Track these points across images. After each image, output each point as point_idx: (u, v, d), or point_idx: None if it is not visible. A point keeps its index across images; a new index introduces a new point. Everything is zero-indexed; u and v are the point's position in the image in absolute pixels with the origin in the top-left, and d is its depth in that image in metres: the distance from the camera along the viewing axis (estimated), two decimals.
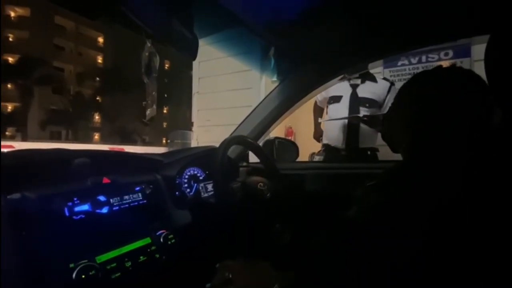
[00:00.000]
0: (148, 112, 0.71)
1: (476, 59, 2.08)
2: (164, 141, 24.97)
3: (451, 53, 2.16)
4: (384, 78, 1.90)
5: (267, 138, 1.31)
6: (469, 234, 0.42)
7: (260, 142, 1.25)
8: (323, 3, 0.81)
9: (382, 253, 0.47)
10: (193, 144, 3.77)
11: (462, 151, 0.53)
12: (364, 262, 0.50)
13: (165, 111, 29.89)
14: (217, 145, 0.90)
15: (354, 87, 1.75)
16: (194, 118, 3.77)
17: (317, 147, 2.05)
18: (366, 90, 1.74)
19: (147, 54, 0.68)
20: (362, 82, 1.77)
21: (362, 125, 1.73)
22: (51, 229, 0.57)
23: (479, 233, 0.42)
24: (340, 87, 1.76)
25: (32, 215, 0.55)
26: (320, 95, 1.88)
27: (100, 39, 27.02)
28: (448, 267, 0.41)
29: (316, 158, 1.94)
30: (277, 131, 1.55)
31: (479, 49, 2.01)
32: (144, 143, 27.02)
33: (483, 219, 0.42)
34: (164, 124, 29.99)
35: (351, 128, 1.72)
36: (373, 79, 1.80)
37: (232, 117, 2.95)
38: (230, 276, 0.55)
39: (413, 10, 0.83)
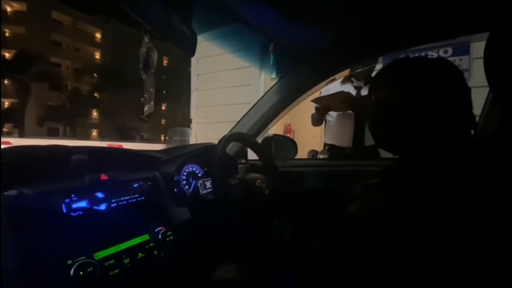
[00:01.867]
0: (146, 108, 0.70)
1: (475, 57, 2.08)
2: (162, 138, 24.89)
3: (450, 50, 2.16)
4: None
5: (265, 135, 1.31)
6: (467, 233, 0.42)
7: (259, 139, 1.25)
8: (322, 0, 0.81)
9: (381, 250, 0.48)
10: (192, 141, 3.76)
11: (461, 149, 0.53)
12: (363, 259, 0.50)
13: (163, 108, 29.79)
14: (216, 142, 0.90)
15: (358, 89, 1.77)
16: (193, 115, 3.76)
17: (315, 144, 2.05)
18: None
19: (145, 49, 0.67)
20: (365, 84, 1.79)
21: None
22: (49, 226, 0.57)
23: (478, 231, 0.42)
24: (342, 89, 1.77)
25: (29, 212, 0.55)
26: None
27: (98, 35, 26.80)
28: (446, 265, 0.42)
29: (321, 157, 1.95)
30: (275, 129, 1.55)
31: (478, 47, 2.01)
32: (143, 140, 26.94)
33: (482, 217, 0.42)
34: (163, 121, 29.90)
35: (358, 126, 1.74)
36: None
37: (231, 114, 2.94)
38: None
39: (413, 8, 0.83)
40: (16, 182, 0.57)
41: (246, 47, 1.29)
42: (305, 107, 1.90)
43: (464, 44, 2.04)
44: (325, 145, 1.94)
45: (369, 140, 1.78)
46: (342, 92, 1.63)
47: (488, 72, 0.57)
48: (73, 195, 0.62)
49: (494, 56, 0.57)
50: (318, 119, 1.92)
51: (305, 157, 2.34)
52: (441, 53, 2.16)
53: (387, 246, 0.47)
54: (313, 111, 1.90)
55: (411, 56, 0.60)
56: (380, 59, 2.06)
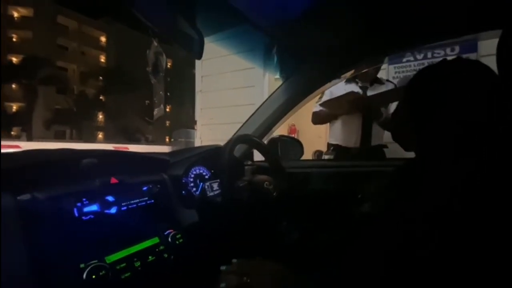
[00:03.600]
0: (155, 112, 0.70)
1: (483, 55, 2.05)
2: (167, 140, 25.04)
3: (457, 48, 2.13)
4: (388, 80, 1.91)
5: (271, 136, 1.31)
6: (476, 236, 0.41)
7: (265, 140, 1.25)
8: (328, 0, 0.80)
9: (392, 250, 0.47)
10: (197, 142, 3.77)
11: (473, 149, 0.52)
12: (373, 259, 0.50)
13: (168, 110, 29.96)
14: (221, 143, 0.90)
15: (363, 89, 1.76)
16: (198, 117, 3.77)
17: (320, 144, 2.04)
18: (375, 91, 1.74)
19: (153, 53, 0.67)
20: (371, 84, 1.77)
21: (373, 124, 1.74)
22: (61, 230, 0.58)
23: (488, 234, 0.41)
24: (348, 89, 1.76)
25: (42, 215, 0.56)
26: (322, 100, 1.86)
27: (103, 39, 27.07)
28: (455, 265, 0.41)
29: (326, 157, 1.94)
30: (280, 129, 1.56)
31: (485, 45, 1.98)
32: (148, 142, 27.13)
33: (492, 220, 0.42)
34: (167, 123, 30.05)
35: (365, 127, 1.73)
36: (379, 81, 1.81)
37: (235, 115, 2.94)
38: (248, 280, 0.54)
39: (419, 6, 0.82)
40: (29, 186, 0.57)
41: (251, 48, 1.30)
42: (310, 107, 1.90)
43: (471, 42, 2.02)
44: (329, 145, 1.93)
45: (375, 140, 1.77)
46: (352, 92, 1.62)
47: (501, 71, 0.56)
48: (84, 199, 0.63)
49: (507, 54, 0.56)
50: (322, 119, 1.91)
51: (310, 157, 2.33)
52: (448, 51, 2.13)
53: (395, 247, 0.46)
54: (316, 109, 1.89)
55: (447, 61, 0.60)
56: (386, 59, 2.05)
